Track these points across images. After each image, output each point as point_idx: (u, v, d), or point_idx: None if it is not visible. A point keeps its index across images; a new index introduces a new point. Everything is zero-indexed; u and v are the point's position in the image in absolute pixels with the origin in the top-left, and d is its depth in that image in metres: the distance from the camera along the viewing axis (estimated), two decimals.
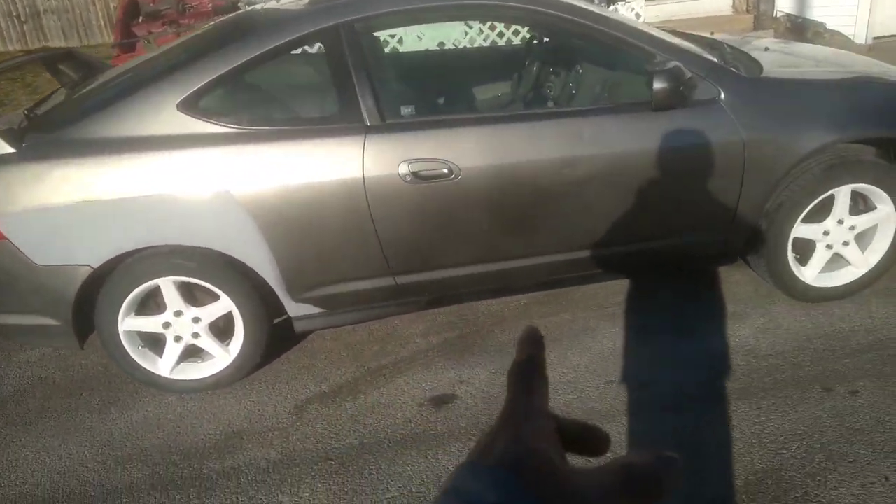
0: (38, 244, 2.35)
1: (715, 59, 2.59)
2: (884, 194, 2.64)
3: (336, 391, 2.61)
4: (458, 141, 2.39)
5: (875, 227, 2.74)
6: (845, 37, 7.20)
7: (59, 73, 3.20)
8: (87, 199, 2.32)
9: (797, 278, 2.75)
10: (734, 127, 2.48)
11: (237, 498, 2.12)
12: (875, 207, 2.69)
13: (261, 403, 2.58)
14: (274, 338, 2.70)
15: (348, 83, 2.38)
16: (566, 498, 0.36)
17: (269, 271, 2.47)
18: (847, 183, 2.60)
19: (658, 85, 2.30)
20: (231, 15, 2.99)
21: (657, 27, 3.07)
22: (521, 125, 2.43)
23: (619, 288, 3.10)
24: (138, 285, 2.46)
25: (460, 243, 2.53)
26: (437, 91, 2.67)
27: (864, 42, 7.03)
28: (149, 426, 2.52)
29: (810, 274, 2.76)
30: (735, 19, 8.22)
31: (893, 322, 2.65)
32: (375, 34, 2.56)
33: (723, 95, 2.49)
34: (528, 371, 0.43)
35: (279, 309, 2.60)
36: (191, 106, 2.36)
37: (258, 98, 2.51)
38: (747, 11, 8.61)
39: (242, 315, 2.56)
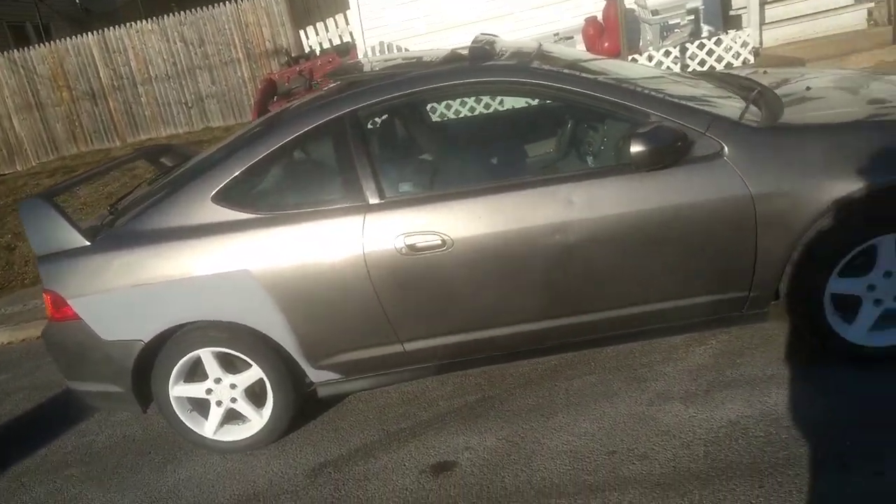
0: (103, 322, 2.78)
1: (719, 113, 2.46)
2: None
3: (352, 455, 2.75)
4: (451, 213, 2.49)
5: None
6: None
7: (161, 167, 3.75)
8: (138, 282, 2.71)
9: (840, 337, 2.47)
10: (739, 182, 2.33)
11: None
12: None
13: (284, 465, 2.79)
14: (307, 402, 2.91)
15: (351, 165, 2.59)
16: None
17: (289, 342, 2.71)
18: (889, 232, 2.32)
19: (635, 148, 2.25)
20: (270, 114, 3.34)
21: (700, 74, 2.97)
22: (511, 195, 2.48)
23: (654, 347, 2.96)
24: (183, 356, 2.80)
25: (460, 310, 2.60)
26: (435, 165, 2.80)
27: None
28: (191, 484, 2.81)
29: (857, 333, 2.47)
30: (870, 34, 7.38)
31: None
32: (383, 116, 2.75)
33: (727, 150, 2.36)
34: None
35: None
36: (223, 197, 2.69)
37: (276, 186, 2.79)
38: (889, 22, 7.73)
39: (270, 382, 2.81)
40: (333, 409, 3.11)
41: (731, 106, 2.58)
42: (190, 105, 12.54)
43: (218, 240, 2.64)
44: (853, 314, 2.48)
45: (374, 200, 2.55)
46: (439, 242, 2.48)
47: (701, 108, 2.45)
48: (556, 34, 7.78)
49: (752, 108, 2.60)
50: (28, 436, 3.58)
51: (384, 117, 2.80)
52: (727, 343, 2.88)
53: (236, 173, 2.67)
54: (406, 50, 8.27)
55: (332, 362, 2.75)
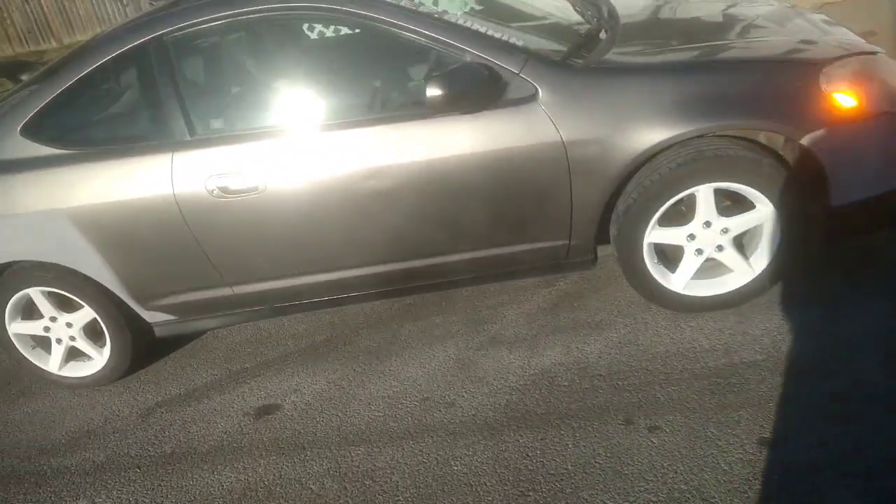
0: None
1: (538, 52, 2.30)
2: (758, 193, 2.25)
3: (188, 395, 2.76)
4: (264, 154, 2.37)
5: (759, 229, 2.35)
6: None
7: (20, 84, 3.54)
8: None
9: (663, 287, 2.45)
10: (551, 128, 2.22)
11: (49, 498, 2.35)
12: (753, 207, 2.30)
13: (123, 403, 2.80)
14: (156, 340, 2.87)
15: (157, 98, 2.43)
16: None
17: (113, 283, 2.64)
18: (706, 182, 2.24)
19: (431, 92, 2.11)
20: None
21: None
22: (325, 135, 2.35)
23: (504, 289, 2.93)
24: (12, 295, 2.74)
25: (280, 256, 2.54)
26: (252, 100, 2.63)
27: None
28: (34, 418, 2.83)
29: (679, 281, 2.44)
30: None
31: (761, 342, 2.29)
32: (194, 44, 2.56)
33: (541, 93, 2.23)
34: None
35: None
36: (31, 131, 2.53)
37: (84, 120, 2.62)
38: None
39: (103, 321, 2.76)
40: (188, 347, 3.10)
41: (562, 42, 2.42)
42: (125, 3, 11.82)
43: (28, 176, 2.51)
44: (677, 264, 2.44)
45: (182, 137, 2.41)
46: (253, 185, 2.37)
47: (520, 46, 2.29)
48: None
49: (604, 43, 2.45)
50: None
51: (201, 44, 2.60)
52: (573, 285, 2.86)
53: (41, 105, 2.51)
54: None
55: (163, 304, 2.71)
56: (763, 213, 2.28)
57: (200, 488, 2.23)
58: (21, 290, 2.73)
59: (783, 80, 2.17)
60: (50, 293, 2.74)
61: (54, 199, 2.49)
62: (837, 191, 2.22)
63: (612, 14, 2.77)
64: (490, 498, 1.93)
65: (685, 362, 2.28)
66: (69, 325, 2.82)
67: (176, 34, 2.43)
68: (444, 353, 2.63)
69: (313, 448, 2.29)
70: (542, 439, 2.10)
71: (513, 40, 2.33)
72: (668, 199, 2.27)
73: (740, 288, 2.42)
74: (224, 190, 2.38)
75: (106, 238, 2.52)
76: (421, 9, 2.36)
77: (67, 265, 2.61)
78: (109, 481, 2.36)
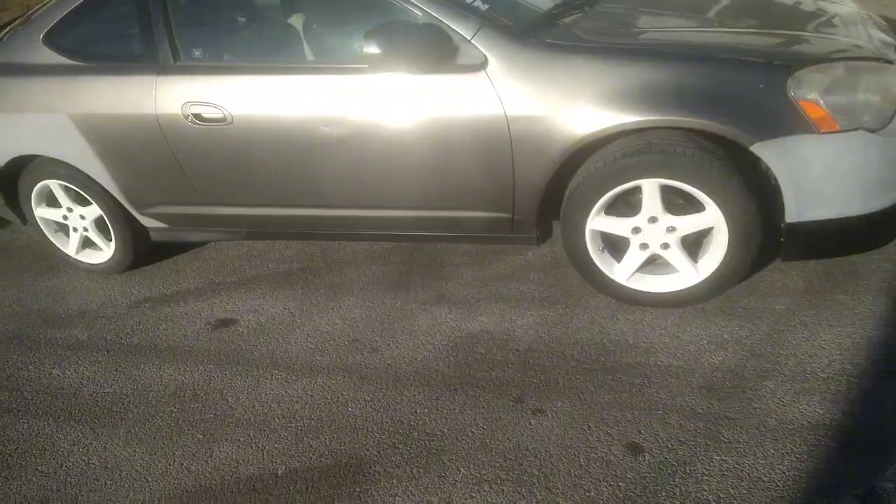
0: None
1: (494, 19, 2.24)
2: (706, 197, 2.14)
3: (172, 296, 3.05)
4: (232, 88, 2.51)
5: (711, 233, 2.24)
6: None
7: None
8: None
9: (604, 274, 2.41)
10: (496, 101, 2.19)
11: (34, 361, 2.73)
12: (703, 210, 2.19)
13: (119, 293, 3.14)
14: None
15: (149, 22, 2.61)
16: None
17: (112, 187, 2.92)
18: (650, 176, 2.16)
19: (367, 49, 2.12)
20: None
21: None
22: (284, 77, 2.44)
23: (472, 249, 2.98)
24: (35, 184, 3.10)
25: (247, 184, 2.70)
26: (230, 34, 2.74)
27: None
28: (51, 292, 3.23)
29: (622, 273, 2.40)
30: None
31: (685, 349, 2.23)
32: None
33: (490, 63, 2.19)
34: None
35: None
36: (50, 41, 2.80)
37: (92, 34, 2.83)
38: None
39: (108, 219, 3.08)
40: (190, 253, 3.39)
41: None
42: None
43: (44, 81, 2.80)
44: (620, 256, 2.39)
45: (166, 62, 2.58)
46: (220, 116, 2.51)
47: (481, 10, 2.24)
48: None
49: (576, 18, 2.36)
50: None
51: None
52: (540, 258, 2.86)
53: (60, 16, 2.75)
54: None
55: (155, 212, 2.97)
56: (712, 216, 2.17)
57: (144, 380, 2.51)
58: (42, 180, 3.07)
59: (743, 80, 2.02)
60: (66, 187, 3.08)
61: (64, 104, 2.76)
62: (791, 206, 2.07)
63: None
64: (366, 442, 2.07)
65: (602, 353, 2.27)
66: (82, 217, 3.16)
67: None
68: (393, 301, 2.74)
69: (244, 365, 2.51)
70: (435, 399, 2.19)
71: (476, 3, 2.28)
72: (610, 189, 2.21)
73: (682, 290, 2.35)
74: (197, 117, 2.55)
75: (104, 145, 2.78)
76: None
77: (75, 165, 2.90)
78: (81, 358, 2.70)
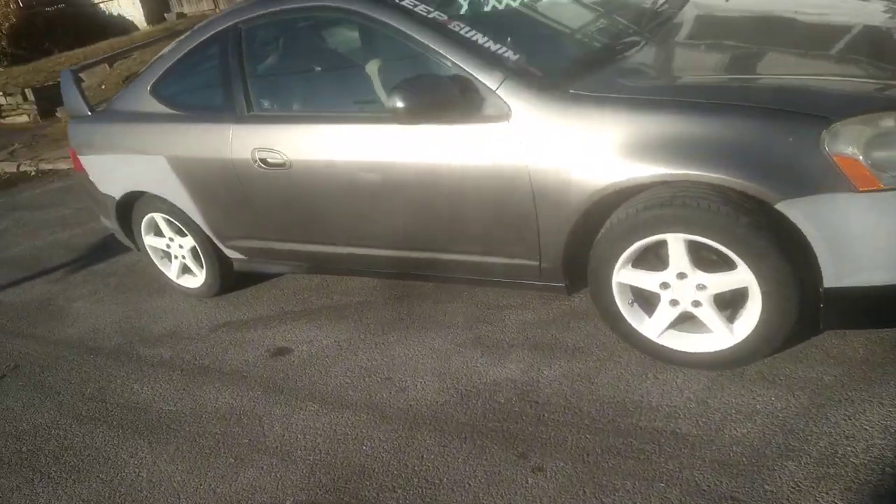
0: (96, 177, 3.59)
1: (521, 69, 2.25)
2: (731, 253, 1.99)
3: (247, 322, 3.33)
4: (291, 135, 2.73)
5: (745, 293, 2.07)
6: None
7: None
8: (109, 152, 3.47)
9: (633, 328, 2.31)
10: (518, 150, 2.19)
11: (121, 375, 3.09)
12: (735, 268, 2.03)
13: (205, 316, 3.47)
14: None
15: (228, 77, 2.91)
16: None
17: (200, 221, 3.27)
18: (674, 230, 2.05)
19: (392, 103, 2.21)
20: None
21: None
22: (332, 127, 2.62)
23: (519, 293, 2.96)
24: (144, 215, 3.54)
25: (306, 224, 2.91)
26: (293, 86, 2.93)
27: None
28: (154, 311, 3.65)
29: (652, 329, 2.28)
30: None
31: (710, 417, 2.07)
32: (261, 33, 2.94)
33: (514, 115, 2.20)
34: None
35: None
36: (155, 91, 3.22)
37: (185, 87, 3.19)
38: None
39: (200, 249, 3.44)
40: (271, 282, 3.67)
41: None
42: None
43: (149, 127, 3.22)
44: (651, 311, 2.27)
45: (241, 112, 2.86)
46: (281, 161, 2.74)
47: (509, 60, 2.25)
48: None
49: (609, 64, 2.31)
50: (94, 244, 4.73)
51: (266, 35, 2.97)
52: (586, 304, 2.78)
53: (161, 71, 3.14)
54: None
55: (235, 244, 3.27)
56: (743, 276, 2.01)
57: (203, 400, 2.77)
58: (149, 213, 3.50)
59: (771, 132, 1.85)
60: (168, 220, 3.48)
61: (163, 147, 3.15)
62: (828, 270, 1.87)
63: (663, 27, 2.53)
64: (368, 482, 2.14)
65: (620, 414, 2.17)
66: (181, 246, 3.55)
67: (248, 24, 2.85)
68: (433, 341, 2.80)
69: (286, 394, 2.68)
70: (444, 446, 2.21)
71: (507, 53, 2.30)
72: (634, 242, 2.13)
73: (716, 352, 2.19)
74: (263, 161, 2.79)
75: (193, 185, 3.13)
76: (431, 14, 2.42)
77: (172, 201, 3.28)
78: (159, 376, 3.03)
